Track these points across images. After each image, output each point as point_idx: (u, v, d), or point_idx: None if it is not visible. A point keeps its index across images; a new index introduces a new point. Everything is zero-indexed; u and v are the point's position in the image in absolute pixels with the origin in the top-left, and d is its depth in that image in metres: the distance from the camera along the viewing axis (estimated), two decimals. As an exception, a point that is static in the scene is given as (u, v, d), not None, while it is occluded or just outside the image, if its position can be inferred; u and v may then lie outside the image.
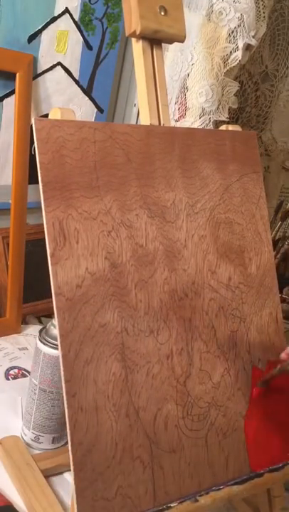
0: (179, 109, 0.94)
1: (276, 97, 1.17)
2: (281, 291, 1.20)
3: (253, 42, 0.88)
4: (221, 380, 0.63)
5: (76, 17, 0.97)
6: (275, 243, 1.21)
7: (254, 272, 0.70)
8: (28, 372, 0.92)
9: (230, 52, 0.88)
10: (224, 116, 0.93)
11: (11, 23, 0.91)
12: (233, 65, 0.89)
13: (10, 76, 0.92)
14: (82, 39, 1.00)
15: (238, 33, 0.87)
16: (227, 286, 0.66)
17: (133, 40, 0.67)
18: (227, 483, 0.61)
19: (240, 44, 0.87)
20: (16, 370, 0.93)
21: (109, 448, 0.53)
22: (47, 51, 0.97)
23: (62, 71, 1.00)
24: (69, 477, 0.73)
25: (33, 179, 0.86)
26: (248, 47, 0.89)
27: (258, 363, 0.67)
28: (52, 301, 0.52)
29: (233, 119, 1.16)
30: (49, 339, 0.73)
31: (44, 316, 1.14)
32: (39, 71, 0.97)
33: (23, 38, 0.93)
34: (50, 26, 0.95)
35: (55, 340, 0.72)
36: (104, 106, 1.10)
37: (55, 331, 0.72)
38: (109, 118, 1.14)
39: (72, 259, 0.54)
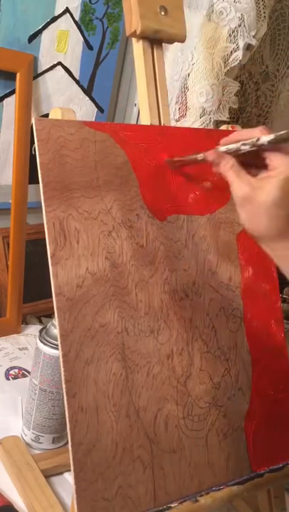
0: (179, 109, 0.94)
1: (277, 97, 1.17)
2: (281, 291, 1.20)
3: (254, 42, 0.88)
4: (222, 380, 0.63)
5: (76, 17, 0.97)
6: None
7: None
8: (28, 372, 0.92)
9: (231, 52, 0.88)
10: (225, 116, 0.93)
11: (12, 22, 0.90)
12: (233, 64, 0.89)
13: (10, 76, 0.92)
14: (82, 39, 1.00)
15: (239, 33, 0.86)
16: (228, 286, 0.66)
17: (133, 40, 0.67)
18: (227, 483, 0.61)
19: (241, 44, 0.87)
20: (16, 370, 0.93)
21: (110, 448, 0.53)
22: (47, 51, 0.97)
23: (63, 71, 1.00)
24: (69, 477, 0.72)
25: (33, 179, 0.86)
26: (248, 47, 0.89)
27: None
28: (52, 301, 0.52)
29: (234, 119, 1.16)
30: (49, 339, 0.73)
31: (44, 316, 1.14)
32: (39, 71, 0.97)
33: (24, 38, 0.93)
34: (50, 26, 0.95)
35: (56, 340, 0.72)
36: (105, 106, 1.10)
37: (56, 331, 0.72)
38: (110, 118, 1.14)
39: (73, 259, 0.54)
